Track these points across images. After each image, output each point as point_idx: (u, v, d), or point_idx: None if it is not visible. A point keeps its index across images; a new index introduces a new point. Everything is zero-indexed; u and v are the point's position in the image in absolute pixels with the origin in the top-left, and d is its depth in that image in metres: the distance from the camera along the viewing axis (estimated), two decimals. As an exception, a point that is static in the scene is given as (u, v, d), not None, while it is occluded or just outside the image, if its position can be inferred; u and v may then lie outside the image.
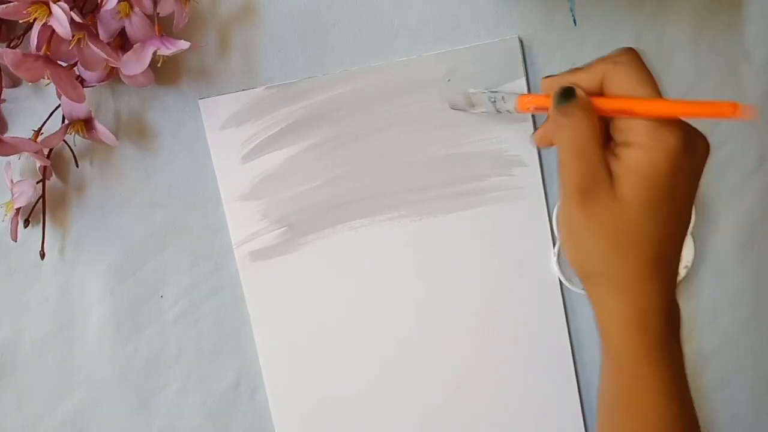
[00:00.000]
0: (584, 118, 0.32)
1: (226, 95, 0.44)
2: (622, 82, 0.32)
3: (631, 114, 0.31)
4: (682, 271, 0.46)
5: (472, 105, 0.43)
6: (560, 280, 0.46)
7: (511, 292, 0.46)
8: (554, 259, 0.45)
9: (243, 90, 0.44)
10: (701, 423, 0.35)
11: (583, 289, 0.46)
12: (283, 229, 0.45)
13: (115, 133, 0.43)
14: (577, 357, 0.46)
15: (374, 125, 0.45)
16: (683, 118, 0.32)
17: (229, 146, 0.45)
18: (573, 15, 0.44)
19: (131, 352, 0.46)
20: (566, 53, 0.45)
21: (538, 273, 0.46)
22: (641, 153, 0.31)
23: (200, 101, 0.44)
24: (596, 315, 0.35)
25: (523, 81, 0.44)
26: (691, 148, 0.31)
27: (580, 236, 0.33)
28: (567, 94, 0.33)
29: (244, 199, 0.45)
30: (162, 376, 0.46)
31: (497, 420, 0.46)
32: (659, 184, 0.31)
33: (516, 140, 0.45)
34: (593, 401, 0.47)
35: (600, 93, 0.33)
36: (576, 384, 0.46)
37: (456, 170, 0.45)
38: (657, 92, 0.32)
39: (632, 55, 0.33)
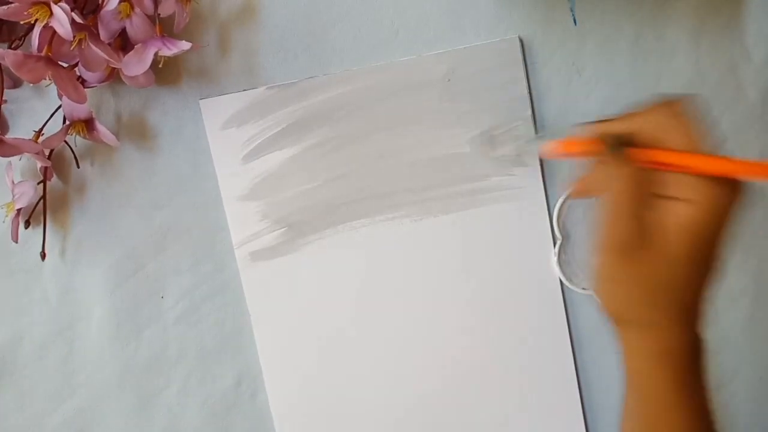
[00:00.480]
0: (639, 169, 0.31)
1: (226, 95, 0.44)
2: (672, 135, 0.31)
3: (684, 170, 0.31)
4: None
5: (494, 146, 0.43)
6: (560, 280, 0.46)
7: (511, 292, 0.46)
8: (554, 259, 0.45)
9: (243, 90, 0.44)
10: None
11: (583, 288, 0.46)
12: (283, 229, 0.45)
13: (116, 134, 0.43)
14: (577, 357, 0.46)
15: (374, 125, 0.45)
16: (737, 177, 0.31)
17: (229, 146, 0.45)
18: (573, 15, 0.44)
19: (132, 353, 0.46)
20: (566, 53, 0.45)
21: (538, 273, 0.46)
22: (690, 209, 0.31)
23: (201, 101, 0.44)
24: (623, 352, 0.35)
25: (523, 81, 0.44)
26: (736, 204, 0.31)
27: (616, 284, 0.33)
28: (623, 143, 0.32)
29: (245, 200, 0.45)
30: (163, 376, 0.46)
31: (498, 420, 0.46)
32: (703, 239, 0.31)
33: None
34: (593, 401, 0.47)
35: (640, 144, 0.32)
36: (576, 384, 0.46)
37: (456, 170, 0.45)
38: (704, 147, 0.31)
39: (676, 107, 0.31)
